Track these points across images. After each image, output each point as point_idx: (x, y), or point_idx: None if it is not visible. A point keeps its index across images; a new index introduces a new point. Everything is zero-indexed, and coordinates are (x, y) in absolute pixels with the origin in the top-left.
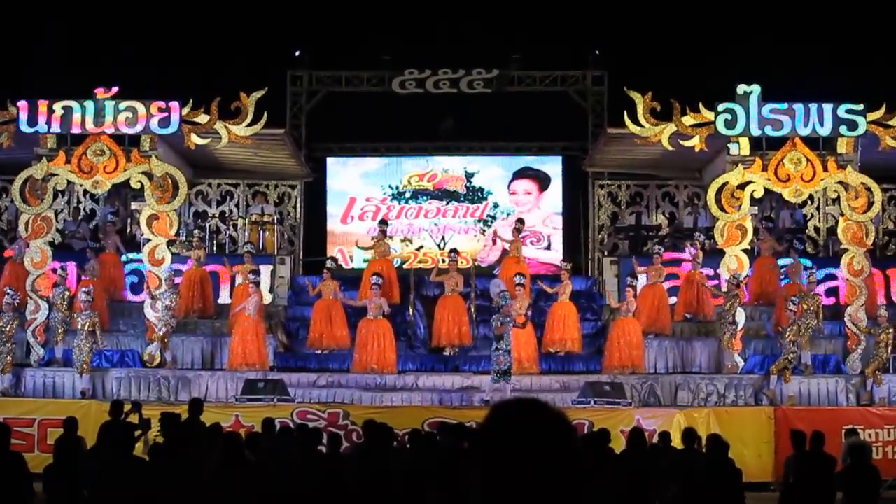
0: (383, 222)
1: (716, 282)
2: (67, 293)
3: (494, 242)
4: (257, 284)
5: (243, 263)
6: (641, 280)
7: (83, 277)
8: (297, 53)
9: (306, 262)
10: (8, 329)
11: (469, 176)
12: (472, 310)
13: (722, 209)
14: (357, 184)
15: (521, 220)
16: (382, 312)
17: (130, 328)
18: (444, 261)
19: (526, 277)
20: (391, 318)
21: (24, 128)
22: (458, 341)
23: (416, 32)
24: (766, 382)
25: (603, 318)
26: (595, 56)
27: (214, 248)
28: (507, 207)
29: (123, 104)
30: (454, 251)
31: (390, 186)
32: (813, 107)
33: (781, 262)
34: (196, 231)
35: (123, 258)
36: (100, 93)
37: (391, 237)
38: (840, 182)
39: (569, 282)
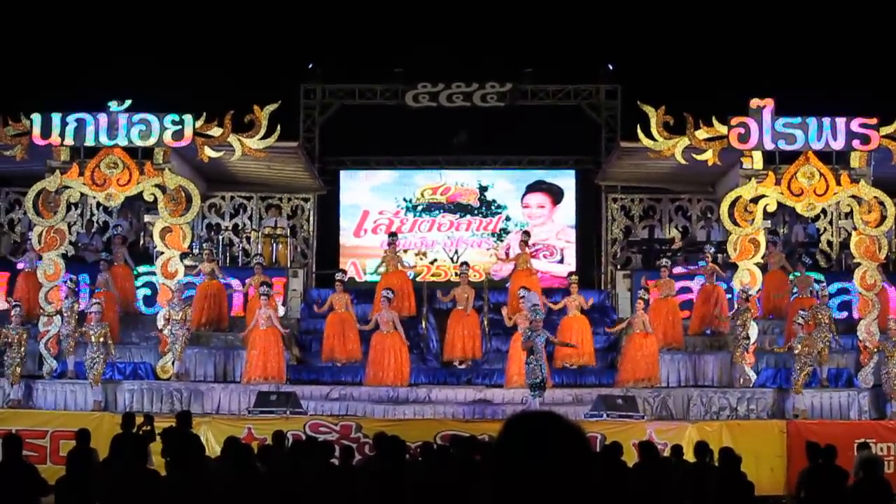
0: (392, 235)
1: (729, 296)
2: (76, 305)
3: (508, 256)
4: (268, 296)
5: (254, 276)
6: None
7: (96, 290)
8: (311, 67)
9: (319, 274)
10: (18, 340)
11: (482, 189)
12: (485, 323)
13: (735, 223)
14: (370, 197)
15: (526, 233)
16: (394, 326)
17: (143, 340)
18: (456, 274)
19: (530, 291)
20: (404, 330)
21: (38, 140)
22: (471, 355)
23: (430, 46)
24: (791, 400)
25: (610, 333)
26: (608, 70)
27: (227, 261)
28: (521, 221)
29: (137, 117)
30: (465, 264)
31: (404, 199)
32: (826, 121)
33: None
34: (205, 244)
35: (136, 270)
36: (113, 105)
37: (405, 250)
38: (853, 196)
39: (577, 295)
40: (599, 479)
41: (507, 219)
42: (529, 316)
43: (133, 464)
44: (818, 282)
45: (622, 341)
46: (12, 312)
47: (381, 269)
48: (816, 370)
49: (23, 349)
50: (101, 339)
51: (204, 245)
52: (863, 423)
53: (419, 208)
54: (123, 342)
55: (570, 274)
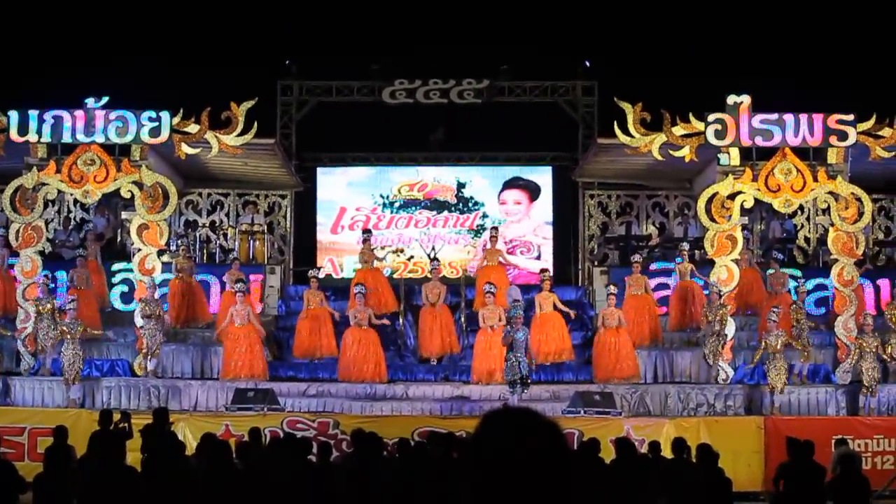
0: (367, 231)
1: (707, 291)
2: (53, 302)
3: (484, 252)
4: (244, 293)
5: (230, 271)
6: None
7: (71, 287)
8: (288, 63)
9: (296, 271)
10: None
11: (459, 186)
12: (462, 320)
13: (712, 219)
14: (347, 193)
15: (495, 228)
16: (369, 321)
17: (121, 337)
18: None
19: (496, 286)
20: (382, 327)
21: (15, 137)
22: (448, 350)
23: (406, 43)
24: (770, 398)
25: (592, 328)
26: (585, 66)
27: (205, 258)
28: (498, 217)
29: (114, 114)
30: (435, 260)
31: (381, 196)
32: (803, 117)
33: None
34: (180, 241)
35: (114, 268)
36: (90, 102)
37: (382, 247)
38: (830, 192)
39: (549, 292)
40: (576, 476)
41: (485, 215)
42: (511, 312)
43: (111, 461)
44: (795, 278)
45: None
46: None
47: (358, 266)
48: (795, 365)
49: None
50: (75, 337)
51: (178, 242)
52: (841, 418)
53: (396, 205)
54: (102, 339)
55: (543, 271)
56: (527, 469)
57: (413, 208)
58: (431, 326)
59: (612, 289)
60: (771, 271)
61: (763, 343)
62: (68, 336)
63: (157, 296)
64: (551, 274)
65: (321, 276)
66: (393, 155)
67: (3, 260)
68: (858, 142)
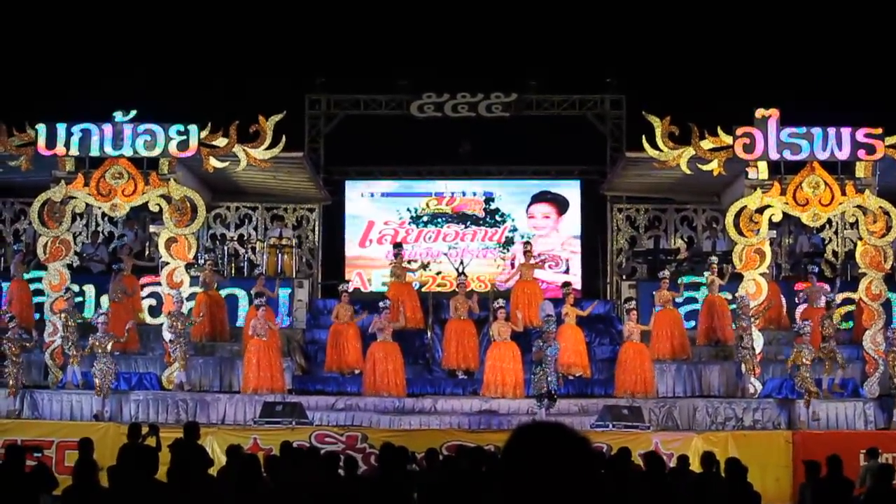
0: (397, 245)
1: (734, 306)
2: (79, 316)
3: (513, 266)
4: (265, 306)
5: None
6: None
7: (111, 300)
8: (316, 77)
9: (324, 285)
10: (12, 350)
11: (487, 200)
12: (490, 333)
13: (740, 233)
14: (375, 207)
15: (528, 243)
16: (391, 336)
17: (149, 351)
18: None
19: (544, 301)
20: (410, 340)
21: (43, 150)
22: (465, 365)
23: (435, 56)
24: (797, 410)
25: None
26: (613, 80)
27: (233, 272)
28: (526, 231)
29: (142, 127)
30: (462, 275)
31: (408, 210)
32: (831, 131)
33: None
34: (207, 255)
35: (142, 281)
36: (118, 116)
37: (411, 261)
38: (858, 206)
39: (571, 307)
40: (607, 491)
41: (513, 229)
42: (543, 326)
43: (139, 474)
44: (828, 292)
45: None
46: (9, 323)
47: (391, 280)
48: (824, 379)
49: (20, 359)
50: (105, 350)
51: (206, 256)
52: (869, 432)
53: (424, 219)
54: (130, 354)
55: (565, 284)
56: (557, 483)
57: (441, 222)
58: (455, 339)
59: (631, 304)
60: (806, 285)
61: (794, 353)
62: (99, 350)
63: (184, 310)
64: (574, 287)
65: (350, 289)
66: (421, 168)
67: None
68: (886, 155)
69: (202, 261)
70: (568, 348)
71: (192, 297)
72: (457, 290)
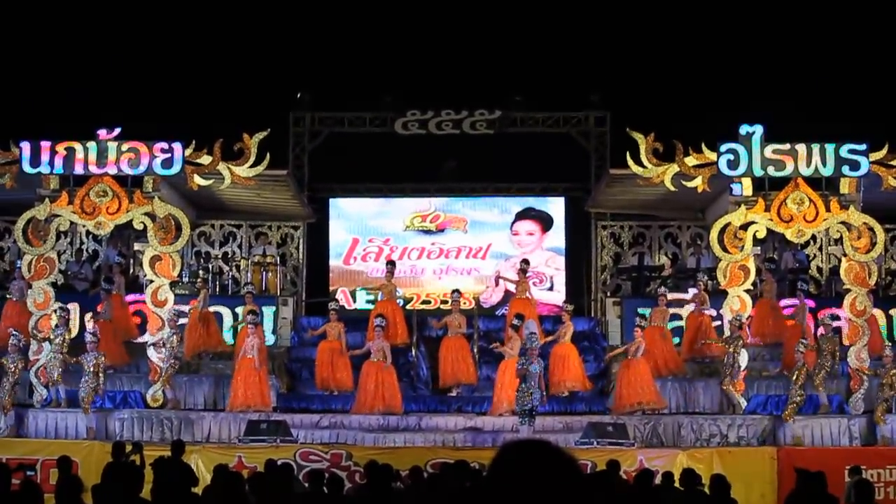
0: (391, 263)
1: (719, 322)
2: (67, 335)
3: (497, 283)
4: (256, 325)
5: (244, 305)
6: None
7: (97, 318)
8: (300, 95)
9: (309, 303)
10: (13, 369)
11: (471, 217)
12: (475, 351)
13: (725, 250)
14: (359, 225)
15: (525, 261)
16: (384, 355)
17: (133, 369)
18: (446, 301)
19: (524, 319)
20: (395, 358)
21: (27, 168)
22: (465, 381)
23: (419, 74)
24: (781, 428)
25: (604, 359)
26: (597, 97)
27: (217, 290)
28: (510, 248)
29: (126, 145)
30: (456, 291)
31: (393, 227)
32: (815, 147)
33: (785, 302)
34: (200, 272)
35: (127, 298)
36: (102, 134)
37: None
38: (842, 222)
39: (570, 323)
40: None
41: (497, 246)
42: (526, 344)
43: (124, 493)
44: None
45: (613, 368)
46: (10, 341)
47: (380, 297)
48: (815, 397)
49: (16, 378)
50: (95, 369)
51: (199, 273)
52: (854, 448)
53: (408, 236)
54: (117, 371)
55: (566, 303)
56: (544, 500)
57: (425, 239)
58: (450, 356)
59: (640, 321)
60: (796, 302)
61: (793, 373)
62: (85, 368)
63: (174, 325)
64: (572, 307)
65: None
66: (405, 185)
67: (20, 291)
68: (871, 171)
69: (186, 278)
70: (561, 365)
71: (180, 314)
72: (450, 307)
